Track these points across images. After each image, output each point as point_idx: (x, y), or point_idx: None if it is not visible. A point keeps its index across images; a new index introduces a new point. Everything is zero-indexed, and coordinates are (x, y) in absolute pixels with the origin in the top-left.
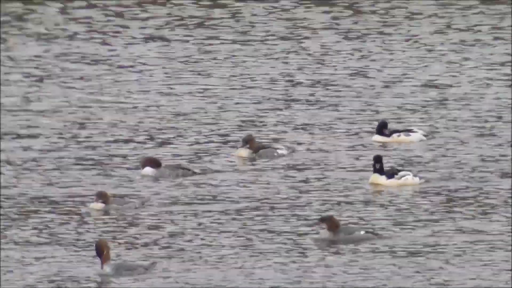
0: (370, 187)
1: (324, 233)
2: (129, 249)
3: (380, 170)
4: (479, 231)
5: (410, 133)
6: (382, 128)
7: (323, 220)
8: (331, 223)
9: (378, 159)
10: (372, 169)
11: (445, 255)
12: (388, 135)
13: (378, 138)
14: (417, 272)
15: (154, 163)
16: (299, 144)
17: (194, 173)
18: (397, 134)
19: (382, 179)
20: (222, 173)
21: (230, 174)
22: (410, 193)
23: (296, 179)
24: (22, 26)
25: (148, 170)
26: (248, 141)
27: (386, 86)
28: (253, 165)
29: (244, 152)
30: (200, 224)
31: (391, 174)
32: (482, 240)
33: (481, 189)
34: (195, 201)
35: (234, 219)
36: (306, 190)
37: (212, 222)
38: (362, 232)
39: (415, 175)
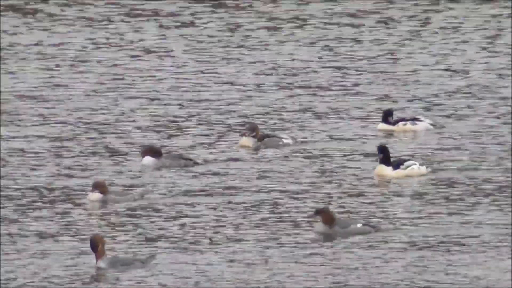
0: (376, 178)
1: (319, 226)
2: (127, 242)
3: (386, 161)
4: (485, 223)
5: (417, 122)
6: (387, 117)
7: (318, 212)
8: (326, 216)
9: (382, 150)
10: (378, 159)
11: (447, 249)
12: (393, 124)
13: (383, 126)
14: (413, 266)
15: (154, 152)
16: (305, 131)
17: (196, 164)
18: (403, 122)
19: (387, 170)
20: (225, 163)
21: (234, 164)
22: (417, 184)
23: (300, 169)
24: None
25: (148, 159)
26: (254, 129)
27: (406, 74)
28: (257, 154)
29: (248, 141)
30: (202, 215)
31: (397, 164)
32: (485, 232)
33: (490, 180)
34: (197, 192)
35: (235, 210)
36: (309, 182)
37: (214, 215)
38: (359, 225)
39: (421, 165)
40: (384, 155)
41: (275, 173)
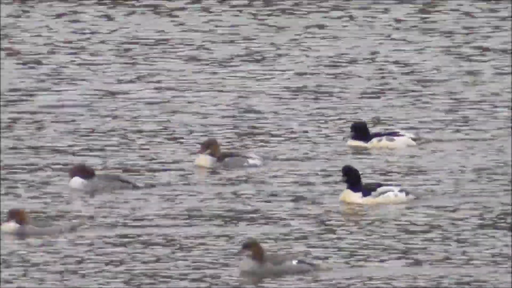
0: (341, 205)
1: (247, 262)
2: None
3: (353, 185)
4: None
5: (395, 137)
6: (359, 131)
7: (245, 246)
8: (255, 250)
9: (347, 171)
10: (342, 182)
11: None
12: (367, 140)
13: (353, 143)
14: None
15: (85, 172)
16: (273, 150)
17: (135, 187)
18: (378, 138)
19: (355, 196)
20: (172, 186)
21: (182, 187)
22: (390, 214)
23: (255, 193)
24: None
25: (77, 180)
26: (208, 146)
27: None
28: (214, 176)
29: (205, 160)
30: (135, 253)
31: (368, 189)
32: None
33: (484, 207)
34: (130, 222)
35: (167, 247)
36: (250, 210)
37: (147, 252)
38: (294, 262)
39: (401, 191)
40: (350, 178)
41: (225, 199)
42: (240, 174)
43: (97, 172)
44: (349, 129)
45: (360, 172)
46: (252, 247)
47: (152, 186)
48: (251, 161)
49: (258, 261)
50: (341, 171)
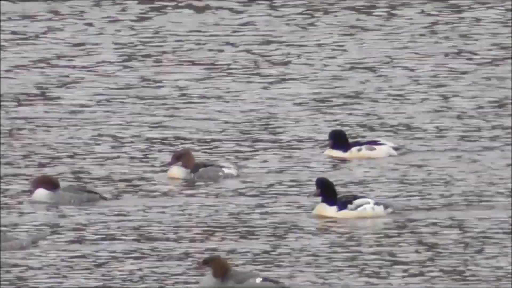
0: (316, 220)
1: (208, 279)
2: None
3: (328, 198)
4: None
5: (375, 146)
6: (338, 139)
7: (206, 262)
8: (217, 266)
9: (321, 184)
10: (314, 196)
11: None
12: (346, 149)
13: (332, 152)
14: None
15: (49, 183)
16: (251, 160)
17: (103, 198)
18: (357, 147)
19: (330, 210)
20: (141, 199)
21: (151, 200)
22: (365, 229)
23: (229, 206)
24: None
25: (41, 192)
26: (180, 157)
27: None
28: (187, 188)
29: (178, 171)
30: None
31: (344, 202)
32: None
33: (470, 225)
34: (101, 235)
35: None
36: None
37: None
38: (259, 280)
39: (377, 203)
40: (325, 191)
41: (195, 213)
42: (214, 185)
43: (62, 184)
44: (328, 138)
45: (337, 184)
46: (213, 263)
47: (119, 197)
48: (226, 171)
49: (220, 278)
50: (315, 184)
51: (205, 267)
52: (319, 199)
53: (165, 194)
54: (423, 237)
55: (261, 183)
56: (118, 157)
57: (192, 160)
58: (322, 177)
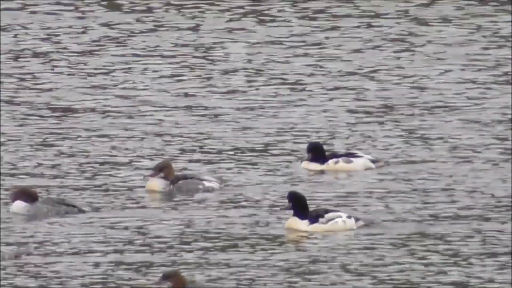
0: (288, 233)
1: None
2: None
3: (300, 212)
4: None
5: (352, 159)
6: (315, 152)
7: (166, 277)
8: (177, 281)
9: (292, 197)
10: (286, 209)
11: None
12: (323, 161)
13: (309, 165)
14: None
15: (27, 195)
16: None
17: (81, 211)
18: (335, 160)
19: (301, 224)
20: (121, 211)
21: (130, 211)
22: (335, 243)
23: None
24: None
25: (19, 205)
26: (162, 169)
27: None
28: (164, 201)
29: (157, 183)
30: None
31: (315, 216)
32: None
33: (449, 239)
34: (80, 247)
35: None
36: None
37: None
38: None
39: (349, 217)
40: (297, 205)
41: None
42: (192, 199)
43: (40, 196)
44: (306, 151)
45: (311, 198)
46: (172, 278)
47: (98, 210)
48: (207, 184)
49: None
50: (286, 197)
51: (165, 282)
52: (291, 212)
53: (143, 206)
54: (390, 251)
55: (237, 197)
56: (99, 168)
57: (172, 172)
58: (294, 191)
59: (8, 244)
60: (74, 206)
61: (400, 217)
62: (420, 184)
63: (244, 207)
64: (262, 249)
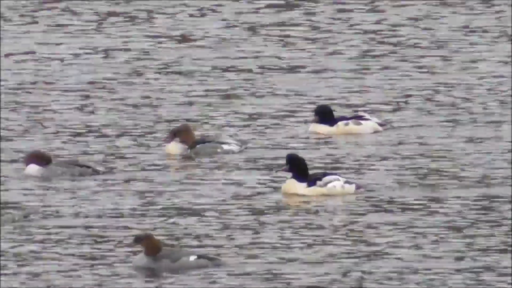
0: (284, 196)
1: (140, 258)
2: None
3: (299, 175)
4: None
5: (361, 121)
6: (323, 115)
7: (138, 240)
8: (149, 245)
9: (291, 159)
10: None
11: None
12: (332, 123)
13: (317, 128)
14: None
15: (41, 159)
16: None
17: (96, 172)
18: (344, 122)
19: (299, 187)
20: (135, 172)
21: (147, 173)
22: (331, 206)
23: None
24: None
25: (33, 168)
26: (177, 133)
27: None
28: (182, 164)
29: (175, 147)
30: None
31: (314, 179)
32: None
33: (446, 205)
34: (91, 208)
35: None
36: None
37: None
38: (193, 258)
39: (347, 181)
40: (296, 168)
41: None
42: (208, 162)
43: (54, 159)
44: (313, 113)
45: (313, 161)
46: (144, 241)
47: (112, 171)
48: (226, 147)
49: (152, 256)
50: (285, 159)
51: (137, 246)
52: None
53: (160, 169)
54: (391, 216)
55: (251, 160)
56: (118, 134)
57: (191, 136)
58: (293, 153)
59: (19, 207)
60: (88, 167)
61: (402, 182)
62: (425, 149)
63: (253, 169)
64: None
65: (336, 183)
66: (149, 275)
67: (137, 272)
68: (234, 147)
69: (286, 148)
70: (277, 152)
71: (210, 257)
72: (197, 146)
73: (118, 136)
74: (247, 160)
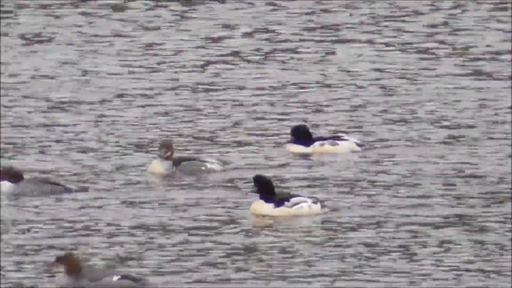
0: (252, 217)
1: (62, 277)
2: None
3: (266, 196)
4: None
5: (338, 142)
6: (299, 135)
7: (59, 260)
8: (70, 264)
9: (259, 181)
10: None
11: None
12: (308, 144)
13: (293, 148)
14: None
15: (13, 175)
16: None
17: (67, 190)
18: (320, 142)
19: (266, 208)
20: (110, 192)
21: (121, 193)
22: (293, 227)
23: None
24: None
25: (4, 184)
26: (167, 148)
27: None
28: (166, 182)
29: (160, 165)
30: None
31: (281, 200)
32: None
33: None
34: (58, 227)
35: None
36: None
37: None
38: (116, 278)
39: (315, 202)
40: (263, 188)
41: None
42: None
43: (25, 176)
44: (290, 133)
45: (289, 180)
46: (66, 261)
47: (85, 190)
48: (209, 165)
49: (74, 276)
50: (252, 181)
51: (58, 265)
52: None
53: (143, 188)
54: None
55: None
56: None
57: (173, 152)
58: (260, 174)
59: None
60: (58, 185)
61: (370, 203)
62: (402, 169)
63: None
64: (225, 232)
65: (303, 204)
66: None
67: None
68: (216, 166)
69: (265, 168)
70: (257, 172)
71: (134, 277)
72: (182, 163)
73: (100, 153)
74: (230, 179)
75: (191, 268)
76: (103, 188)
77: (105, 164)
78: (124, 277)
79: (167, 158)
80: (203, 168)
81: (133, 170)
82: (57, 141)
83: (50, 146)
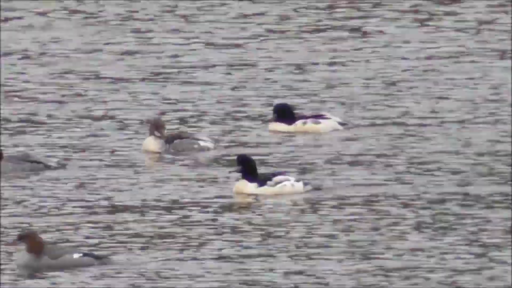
0: (235, 196)
1: (23, 255)
2: None
3: (249, 175)
4: None
5: (320, 120)
6: (281, 114)
7: (21, 237)
8: (32, 242)
9: (242, 160)
10: (236, 172)
11: None
12: (291, 122)
13: (276, 126)
14: None
15: None
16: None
17: (47, 167)
18: (303, 121)
19: (250, 187)
20: (92, 169)
21: (107, 170)
22: (280, 206)
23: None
24: None
25: None
26: (158, 126)
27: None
28: (158, 160)
29: (154, 143)
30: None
31: (264, 179)
32: None
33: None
34: (39, 205)
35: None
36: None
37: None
38: (77, 255)
39: (298, 180)
40: (246, 168)
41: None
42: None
43: (5, 154)
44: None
45: (273, 160)
46: (27, 239)
47: (64, 166)
48: (202, 144)
49: (35, 254)
50: (236, 161)
51: (20, 243)
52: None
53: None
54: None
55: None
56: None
57: (164, 131)
58: (243, 154)
59: None
60: (39, 163)
61: (353, 182)
62: (386, 148)
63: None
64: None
65: (286, 183)
66: (31, 273)
67: (19, 270)
68: (209, 144)
69: (251, 147)
70: (248, 150)
71: (96, 255)
72: (175, 141)
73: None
74: (222, 157)
75: (161, 248)
76: (84, 166)
77: (93, 141)
78: (86, 254)
79: (159, 137)
80: (195, 146)
81: (124, 149)
82: (43, 121)
83: (33, 123)
